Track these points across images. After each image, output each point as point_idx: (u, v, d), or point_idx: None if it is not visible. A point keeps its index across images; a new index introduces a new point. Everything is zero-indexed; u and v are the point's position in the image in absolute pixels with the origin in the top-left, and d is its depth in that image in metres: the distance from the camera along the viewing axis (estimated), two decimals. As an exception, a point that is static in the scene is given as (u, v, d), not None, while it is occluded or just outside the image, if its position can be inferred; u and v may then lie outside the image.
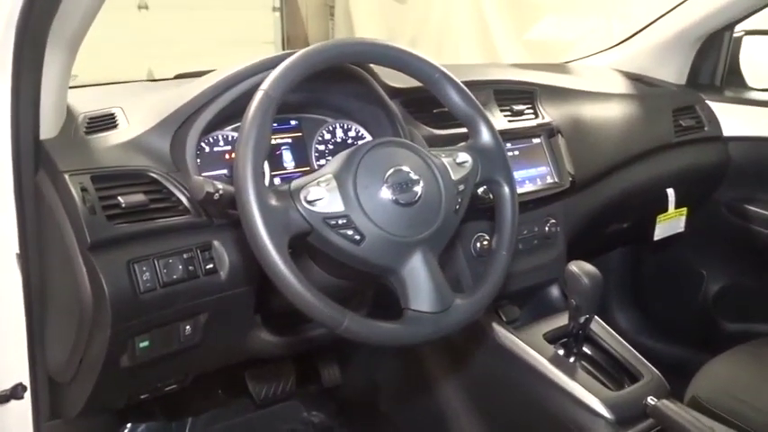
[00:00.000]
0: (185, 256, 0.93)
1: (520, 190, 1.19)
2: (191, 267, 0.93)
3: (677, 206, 1.71)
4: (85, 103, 1.04)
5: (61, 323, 0.96)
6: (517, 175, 1.28)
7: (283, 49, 3.65)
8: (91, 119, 1.01)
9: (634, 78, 1.82)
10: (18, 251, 0.92)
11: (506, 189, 0.96)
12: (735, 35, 1.91)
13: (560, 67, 1.86)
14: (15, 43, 0.82)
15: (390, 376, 1.53)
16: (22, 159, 0.88)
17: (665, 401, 1.08)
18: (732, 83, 1.94)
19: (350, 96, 1.17)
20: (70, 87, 0.99)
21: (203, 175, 1.01)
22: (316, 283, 0.79)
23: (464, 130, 0.98)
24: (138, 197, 0.91)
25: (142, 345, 0.93)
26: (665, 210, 1.70)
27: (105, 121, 1.01)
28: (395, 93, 1.21)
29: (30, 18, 0.81)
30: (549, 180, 1.37)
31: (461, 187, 0.91)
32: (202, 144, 1.05)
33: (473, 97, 0.96)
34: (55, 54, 0.88)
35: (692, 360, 1.49)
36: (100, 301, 0.87)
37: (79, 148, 0.95)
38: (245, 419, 1.53)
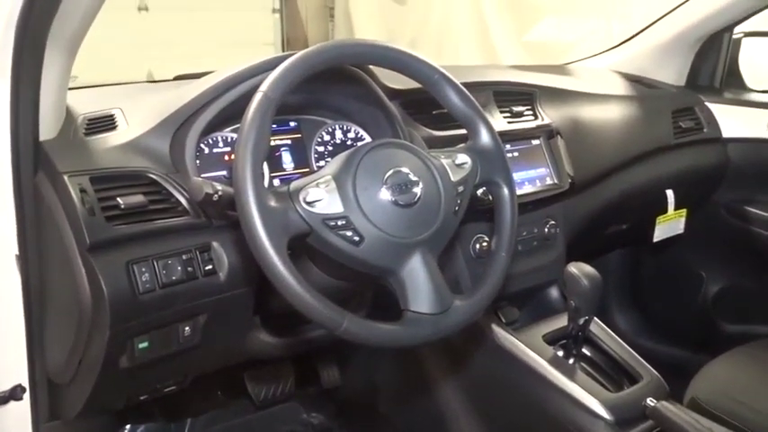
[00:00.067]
0: (184, 257, 0.93)
1: (519, 191, 1.19)
2: (190, 268, 0.93)
3: (676, 207, 1.72)
4: (85, 105, 1.04)
5: (60, 324, 0.96)
6: (516, 176, 1.28)
7: (283, 51, 3.65)
8: (90, 120, 1.01)
9: (633, 80, 1.83)
10: (17, 252, 0.92)
11: (506, 190, 0.96)
12: (734, 37, 1.92)
13: (560, 69, 1.87)
14: (15, 44, 0.82)
15: (390, 377, 1.53)
16: (22, 160, 0.88)
17: (664, 403, 1.08)
18: (731, 84, 1.95)
19: (349, 98, 1.17)
20: (70, 88, 0.99)
21: (202, 176, 1.01)
22: (315, 284, 0.79)
23: (463, 131, 0.98)
24: (138, 198, 0.91)
25: (141, 346, 0.93)
26: (665, 211, 1.70)
27: (105, 123, 1.01)
28: (394, 94, 1.21)
29: (29, 19, 0.81)
30: (549, 181, 1.38)
31: (461, 188, 0.91)
32: (202, 145, 1.05)
33: (472, 99, 0.96)
34: (54, 55, 0.88)
35: (692, 361, 1.50)
36: (99, 302, 0.87)
37: (78, 150, 0.95)
38: (244, 421, 1.53)
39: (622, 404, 1.11)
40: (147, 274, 0.89)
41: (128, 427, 1.40)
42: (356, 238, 0.81)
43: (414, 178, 0.85)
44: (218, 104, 1.00)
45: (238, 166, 0.76)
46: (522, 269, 1.32)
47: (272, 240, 0.75)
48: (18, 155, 0.88)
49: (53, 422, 1.04)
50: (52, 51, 0.87)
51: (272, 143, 1.11)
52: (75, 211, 0.86)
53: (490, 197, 0.99)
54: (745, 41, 1.93)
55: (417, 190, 0.85)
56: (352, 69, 1.12)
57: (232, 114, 1.01)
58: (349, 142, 1.21)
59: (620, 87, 1.76)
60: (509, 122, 1.37)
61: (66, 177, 0.88)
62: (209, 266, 0.95)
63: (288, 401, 1.54)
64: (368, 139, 1.22)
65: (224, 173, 1.07)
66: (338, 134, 1.20)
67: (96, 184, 0.89)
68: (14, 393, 0.96)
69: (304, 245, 0.82)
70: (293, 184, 0.82)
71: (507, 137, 1.30)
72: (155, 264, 0.90)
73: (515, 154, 1.34)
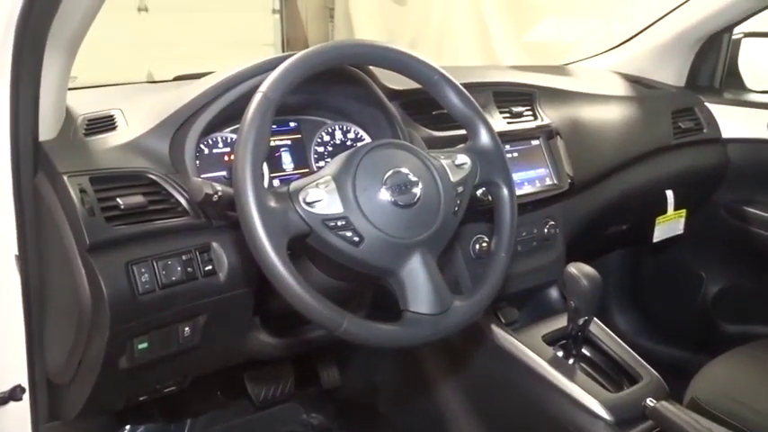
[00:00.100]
0: (184, 257, 0.93)
1: (519, 192, 1.19)
2: (189, 269, 0.93)
3: (676, 208, 1.72)
4: (85, 105, 1.04)
5: (60, 325, 0.96)
6: (516, 176, 1.29)
7: (283, 52, 3.65)
8: (90, 120, 1.01)
9: (633, 80, 1.83)
10: (17, 252, 0.92)
11: (505, 191, 0.96)
12: (734, 37, 1.92)
13: (559, 69, 1.87)
14: (15, 44, 0.82)
15: (389, 378, 1.53)
16: (22, 161, 0.88)
17: (664, 403, 1.08)
18: (731, 85, 1.95)
19: (349, 98, 1.17)
20: (69, 89, 0.99)
21: (202, 176, 1.01)
22: (315, 284, 0.79)
23: (463, 131, 0.99)
24: (137, 199, 0.91)
25: (141, 346, 0.93)
26: (664, 211, 1.70)
27: (104, 123, 1.01)
28: (394, 94, 1.21)
29: (29, 19, 0.81)
30: (548, 182, 1.38)
31: (460, 189, 0.91)
32: (201, 146, 1.05)
33: (472, 99, 0.96)
34: (54, 55, 0.88)
35: (692, 362, 1.50)
36: (98, 303, 0.87)
37: (78, 150, 0.95)
38: (243, 421, 1.53)
39: (622, 404, 1.11)
40: (146, 275, 0.89)
41: (127, 427, 1.40)
42: (356, 239, 0.81)
43: (413, 179, 0.85)
44: (217, 105, 1.00)
45: (238, 167, 0.76)
46: (522, 269, 1.32)
47: (272, 241, 0.75)
48: (18, 155, 0.88)
49: (53, 423, 1.04)
50: (52, 51, 0.87)
51: (272, 143, 1.11)
52: (75, 212, 0.86)
53: (490, 197, 0.99)
54: (745, 42, 1.93)
55: (417, 190, 0.85)
56: (351, 70, 1.12)
57: (232, 115, 1.01)
58: (349, 143, 1.21)
59: (620, 88, 1.76)
60: (509, 123, 1.37)
61: (65, 178, 0.88)
62: (209, 267, 0.95)
63: (288, 402, 1.54)
64: (367, 139, 1.22)
65: (224, 173, 1.07)
66: (338, 134, 1.20)
67: (96, 184, 0.89)
68: (14, 394, 0.96)
69: (304, 245, 0.82)
70: (293, 185, 0.82)
71: (507, 137, 1.30)
72: (154, 264, 0.90)
73: (515, 154, 1.34)
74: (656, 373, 1.18)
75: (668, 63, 1.87)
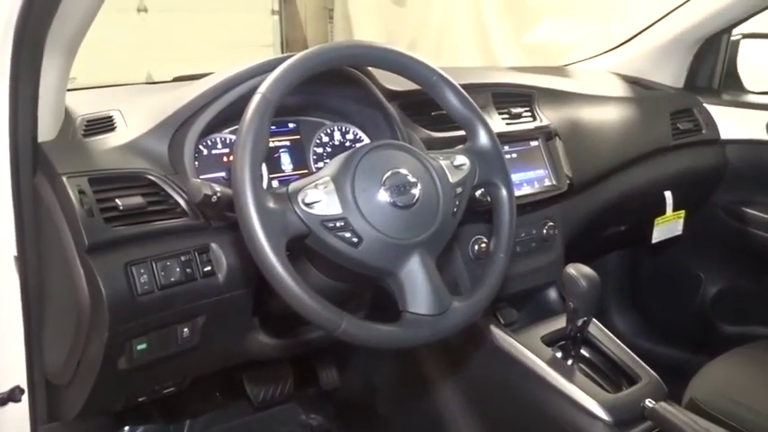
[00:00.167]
0: (183, 258, 0.93)
1: (518, 193, 1.19)
2: (188, 270, 0.93)
3: (675, 209, 1.72)
4: (84, 106, 1.04)
5: (59, 325, 0.96)
6: (515, 177, 1.29)
7: (282, 53, 3.65)
8: (89, 121, 1.01)
9: (632, 81, 1.83)
10: (16, 253, 0.92)
11: (504, 192, 0.97)
12: (732, 38, 1.92)
13: (558, 71, 1.87)
14: (14, 45, 0.82)
15: (388, 379, 1.53)
16: (21, 162, 0.88)
17: (662, 404, 1.08)
18: (729, 86, 1.95)
19: (348, 99, 1.18)
20: (68, 90, 0.99)
21: (201, 177, 1.01)
22: (313, 285, 0.79)
23: (462, 132, 0.99)
24: (136, 200, 0.91)
25: (140, 347, 0.93)
26: (663, 212, 1.70)
27: (103, 124, 1.01)
28: (393, 95, 1.21)
29: (28, 20, 0.81)
30: (547, 183, 1.38)
31: (459, 190, 0.91)
32: (200, 147, 1.06)
33: (471, 100, 0.96)
34: (53, 56, 0.88)
35: (690, 362, 1.50)
36: (97, 304, 0.87)
37: (77, 151, 0.95)
38: (243, 422, 1.53)
39: (621, 405, 1.11)
40: (145, 276, 0.89)
41: (126, 428, 1.40)
42: (355, 240, 0.81)
43: (412, 179, 0.85)
44: (216, 106, 1.00)
45: (237, 168, 0.76)
46: (521, 270, 1.32)
47: (271, 242, 0.75)
48: (17, 156, 0.88)
49: (52, 423, 1.04)
50: (51, 52, 0.87)
51: (271, 144, 1.11)
52: (74, 213, 0.86)
53: (489, 198, 0.99)
54: (744, 43, 1.94)
55: (416, 191, 0.85)
56: (350, 71, 1.12)
57: (231, 116, 1.01)
58: (348, 143, 1.21)
59: (619, 89, 1.76)
60: (507, 124, 1.37)
61: (64, 178, 0.88)
62: (208, 268, 0.95)
63: (287, 403, 1.54)
64: (366, 140, 1.22)
65: (223, 174, 1.07)
66: (337, 135, 1.20)
67: (95, 185, 0.89)
68: (13, 395, 0.96)
69: (303, 246, 0.82)
70: (292, 186, 0.82)
71: (506, 138, 1.30)
72: (153, 265, 0.90)
73: (514, 155, 1.34)
74: (655, 374, 1.18)
75: (667, 64, 1.88)
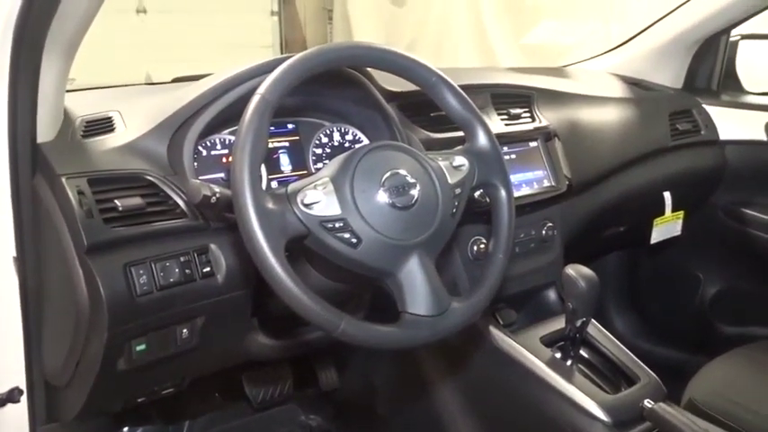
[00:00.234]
0: (182, 259, 0.93)
1: (517, 193, 1.19)
2: (187, 271, 0.93)
3: (674, 209, 1.72)
4: (83, 107, 1.04)
5: (58, 326, 0.96)
6: (514, 178, 1.29)
7: (281, 53, 3.65)
8: (88, 122, 1.01)
9: (631, 82, 1.83)
10: (15, 254, 0.92)
11: (503, 192, 0.97)
12: (731, 39, 1.92)
13: (557, 71, 1.87)
14: (13, 46, 0.82)
15: (387, 380, 1.53)
16: (20, 163, 0.89)
17: (661, 404, 1.08)
18: (728, 87, 1.95)
19: (347, 100, 1.18)
20: (67, 91, 0.99)
21: (200, 178, 1.01)
22: (313, 286, 0.79)
23: (461, 133, 0.99)
24: (135, 200, 0.91)
25: (139, 348, 0.93)
26: (662, 213, 1.71)
27: (102, 125, 1.01)
28: (392, 96, 1.21)
29: (27, 21, 0.81)
30: (546, 184, 1.38)
31: (458, 191, 0.91)
32: (199, 147, 1.06)
33: (470, 101, 0.96)
34: (52, 57, 0.88)
35: (689, 363, 1.50)
36: (96, 305, 0.87)
37: (76, 152, 0.95)
38: (242, 423, 1.53)
39: (620, 406, 1.11)
40: (144, 277, 0.89)
41: (125, 429, 1.40)
42: (354, 240, 0.81)
43: (411, 180, 0.86)
44: (216, 107, 1.00)
45: (236, 169, 0.76)
46: (520, 271, 1.32)
47: (270, 242, 0.75)
48: (16, 157, 0.88)
49: (50, 425, 1.04)
50: (50, 53, 0.87)
51: (270, 145, 1.12)
52: (73, 213, 0.86)
53: (487, 199, 0.99)
54: (743, 44, 1.94)
55: (415, 192, 0.85)
56: (349, 72, 1.12)
57: (230, 116, 1.01)
58: (347, 144, 1.21)
59: (618, 90, 1.76)
60: (506, 125, 1.37)
61: (63, 179, 0.88)
62: (207, 269, 0.95)
63: (286, 403, 1.54)
64: (365, 141, 1.22)
65: (222, 175, 1.07)
66: (336, 136, 1.21)
67: (94, 186, 0.89)
68: (12, 396, 0.96)
69: (302, 247, 0.82)
70: (291, 186, 0.82)
71: (505, 139, 1.30)
72: (152, 266, 0.90)
73: (513, 156, 1.34)
74: (654, 375, 1.18)
75: (666, 65, 1.88)
